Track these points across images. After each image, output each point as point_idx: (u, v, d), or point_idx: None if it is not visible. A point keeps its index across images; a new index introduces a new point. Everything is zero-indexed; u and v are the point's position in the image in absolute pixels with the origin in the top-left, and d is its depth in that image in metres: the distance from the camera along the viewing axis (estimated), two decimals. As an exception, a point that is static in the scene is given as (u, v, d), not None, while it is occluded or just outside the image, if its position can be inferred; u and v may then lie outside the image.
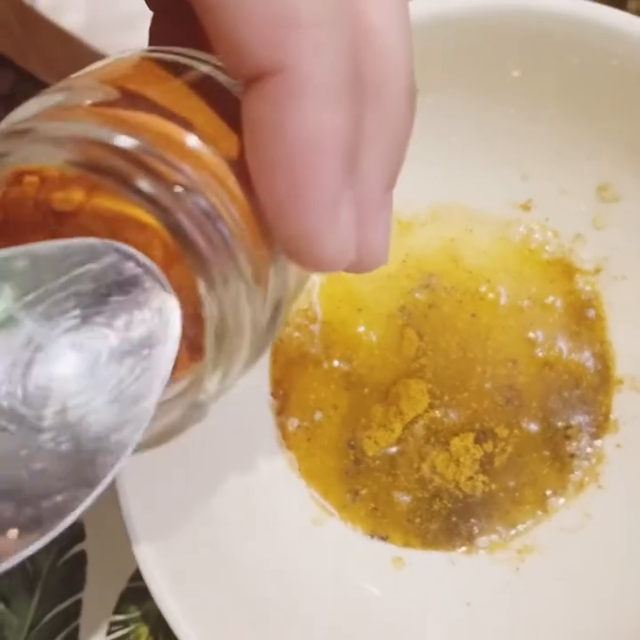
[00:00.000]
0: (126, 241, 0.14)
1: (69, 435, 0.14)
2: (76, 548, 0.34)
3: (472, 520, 0.32)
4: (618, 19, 0.26)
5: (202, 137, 0.14)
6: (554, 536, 0.32)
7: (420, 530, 0.32)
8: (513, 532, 0.32)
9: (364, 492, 0.32)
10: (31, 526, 0.14)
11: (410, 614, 0.31)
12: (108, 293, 0.14)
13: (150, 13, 0.19)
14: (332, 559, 0.31)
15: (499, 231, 0.33)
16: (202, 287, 0.14)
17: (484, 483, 0.32)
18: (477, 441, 0.32)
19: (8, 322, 0.14)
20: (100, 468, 0.14)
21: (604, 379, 0.33)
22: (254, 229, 0.15)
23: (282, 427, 0.33)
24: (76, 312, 0.14)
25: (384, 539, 0.32)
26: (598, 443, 0.32)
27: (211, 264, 0.13)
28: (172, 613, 0.27)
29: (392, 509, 0.32)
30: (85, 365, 0.14)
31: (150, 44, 0.19)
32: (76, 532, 0.34)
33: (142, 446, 0.15)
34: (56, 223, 0.15)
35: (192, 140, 0.14)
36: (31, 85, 0.37)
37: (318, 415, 0.33)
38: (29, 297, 0.14)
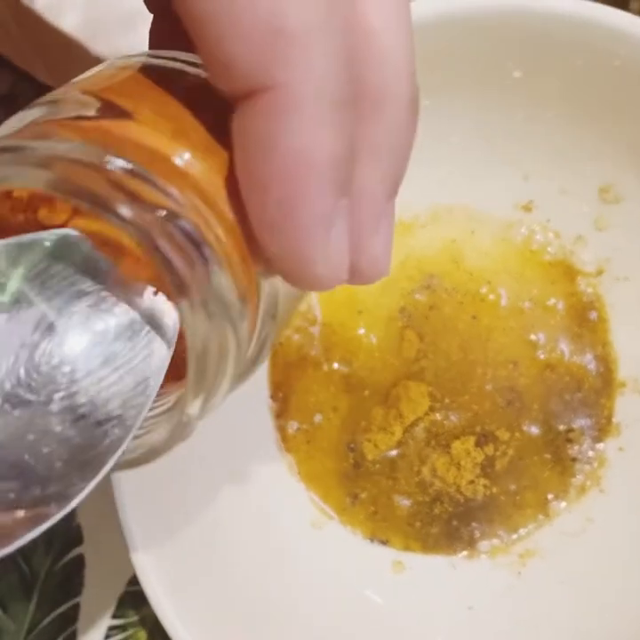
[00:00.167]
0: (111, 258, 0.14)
1: (76, 417, 0.14)
2: (74, 552, 0.34)
3: (473, 524, 0.32)
4: (620, 19, 0.26)
5: (192, 151, 0.14)
6: (555, 540, 0.32)
7: (420, 534, 0.32)
8: (514, 536, 0.32)
9: (363, 495, 0.32)
10: (36, 508, 0.14)
11: (410, 619, 0.31)
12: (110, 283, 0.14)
13: (150, 14, 0.19)
14: (332, 563, 0.31)
15: (500, 232, 0.33)
16: (183, 310, 0.13)
17: (485, 486, 0.32)
18: (478, 444, 0.32)
19: (19, 302, 0.14)
20: (103, 453, 0.14)
21: (606, 381, 0.32)
22: (243, 247, 0.14)
23: (281, 429, 0.32)
24: (85, 297, 0.14)
25: (384, 542, 0.32)
26: (600, 446, 0.32)
27: (191, 288, 0.13)
28: (169, 619, 0.27)
29: (392, 513, 0.32)
30: (94, 346, 0.14)
31: (150, 46, 0.19)
32: (74, 536, 0.34)
33: (129, 464, 0.15)
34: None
35: (181, 156, 0.14)
36: (30, 86, 0.36)
37: (318, 418, 0.33)
38: (40, 279, 0.14)
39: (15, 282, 0.14)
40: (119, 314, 0.15)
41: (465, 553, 0.32)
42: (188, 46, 0.15)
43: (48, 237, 0.14)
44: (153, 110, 0.14)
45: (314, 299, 0.33)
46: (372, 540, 0.32)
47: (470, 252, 0.33)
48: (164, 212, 0.13)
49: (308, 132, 0.13)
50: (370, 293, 0.33)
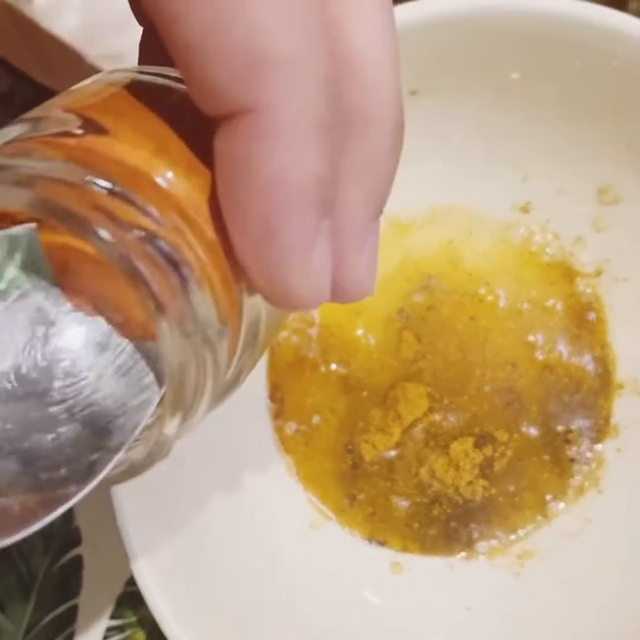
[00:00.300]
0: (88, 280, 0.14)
1: (77, 412, 0.14)
2: (72, 553, 0.34)
3: (471, 525, 0.32)
4: (617, 20, 0.26)
5: (174, 170, 0.14)
6: (554, 541, 0.32)
7: (418, 535, 0.32)
8: (513, 537, 0.32)
9: (361, 496, 0.32)
10: (53, 492, 0.14)
11: (408, 620, 0.31)
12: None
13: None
14: (330, 564, 0.31)
15: (499, 233, 0.33)
16: (160, 332, 0.13)
17: (483, 487, 0.32)
18: (477, 445, 0.32)
19: (17, 292, 0.14)
20: (106, 452, 0.14)
21: (604, 382, 0.32)
22: (225, 267, 0.14)
23: (279, 430, 0.32)
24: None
25: (382, 543, 0.32)
26: (598, 447, 0.32)
27: (169, 309, 0.13)
28: (166, 620, 0.27)
29: (390, 514, 0.32)
30: (93, 342, 0.14)
31: (140, 58, 0.18)
32: (73, 537, 0.34)
33: (112, 481, 0.15)
34: None
35: (162, 175, 0.14)
36: (28, 86, 0.36)
37: (316, 419, 0.32)
38: (38, 273, 0.14)
39: (12, 270, 0.14)
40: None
41: (463, 554, 0.32)
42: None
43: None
44: (135, 128, 0.14)
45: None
46: (370, 541, 0.32)
47: (468, 252, 0.33)
48: (143, 233, 0.13)
49: (288, 154, 0.13)
50: (368, 294, 0.33)
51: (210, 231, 0.14)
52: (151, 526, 0.27)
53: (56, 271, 0.15)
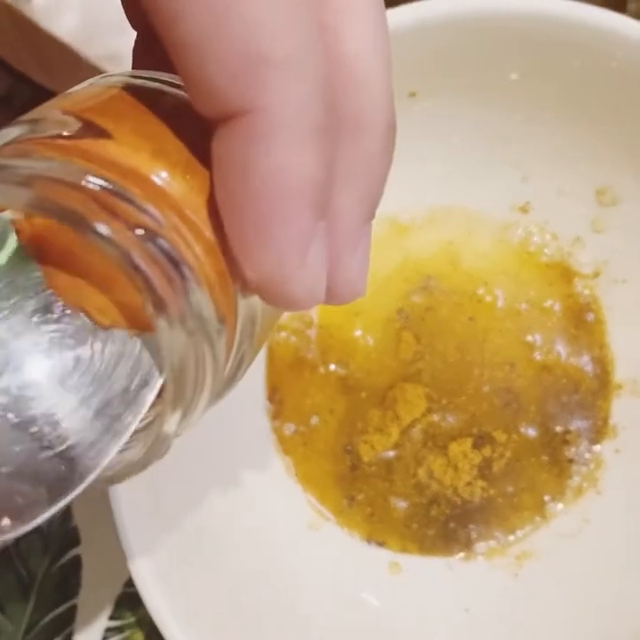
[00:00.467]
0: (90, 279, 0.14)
1: (39, 437, 0.14)
2: (71, 553, 0.34)
3: (470, 526, 0.32)
4: (616, 21, 0.26)
5: (172, 171, 0.14)
6: (552, 542, 0.32)
7: (417, 535, 0.32)
8: (511, 537, 0.32)
9: (360, 497, 0.32)
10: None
11: (407, 620, 0.31)
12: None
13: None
14: (329, 565, 0.31)
15: (497, 233, 0.33)
16: (161, 329, 0.13)
17: (482, 488, 0.32)
18: (476, 446, 0.32)
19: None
20: (71, 479, 0.14)
21: (603, 383, 0.32)
22: (222, 266, 0.14)
23: (278, 431, 0.32)
24: (49, 325, 0.14)
25: (381, 544, 0.32)
26: (597, 448, 0.32)
27: (169, 306, 0.13)
28: (165, 621, 0.27)
29: (389, 515, 0.32)
30: (56, 375, 0.14)
31: (134, 64, 0.19)
32: (71, 538, 0.34)
33: (108, 481, 0.15)
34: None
35: (160, 176, 0.14)
36: (27, 87, 0.36)
37: (314, 420, 0.33)
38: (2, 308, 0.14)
39: None
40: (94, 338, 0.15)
41: (462, 554, 0.32)
42: (172, 65, 0.15)
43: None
44: (133, 130, 0.14)
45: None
46: (368, 542, 0.32)
47: (467, 253, 0.33)
48: (142, 231, 0.13)
49: (285, 155, 0.13)
50: (367, 295, 0.32)
51: (207, 231, 0.14)
52: (149, 527, 0.27)
53: (47, 269, 0.15)
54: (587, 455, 0.32)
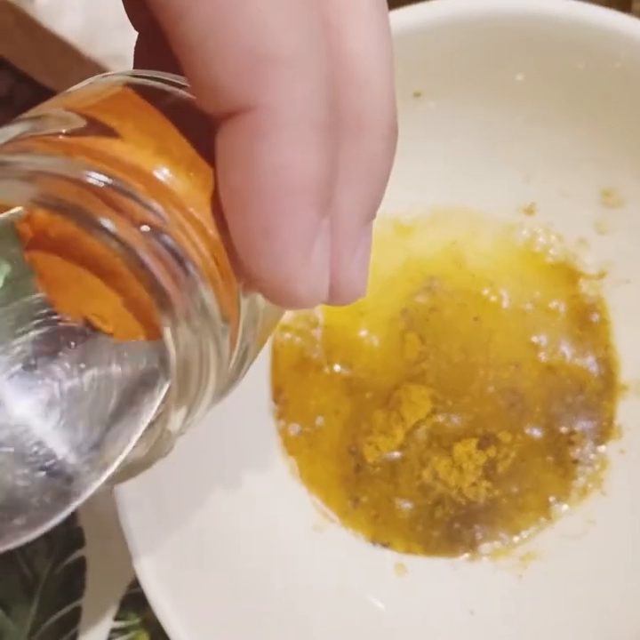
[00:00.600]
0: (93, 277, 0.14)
1: (33, 463, 0.14)
2: (76, 555, 0.34)
3: (475, 527, 0.32)
4: (620, 21, 0.26)
5: (175, 168, 0.14)
6: (557, 543, 0.31)
7: (422, 536, 0.32)
8: (516, 538, 0.32)
9: (365, 498, 0.32)
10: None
11: (412, 622, 0.31)
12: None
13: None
14: (334, 566, 0.31)
15: (502, 234, 0.33)
16: (166, 325, 0.13)
17: (487, 489, 0.32)
18: (480, 446, 0.32)
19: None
20: (55, 505, 0.14)
21: (608, 384, 0.32)
22: (226, 265, 0.14)
23: (283, 432, 0.32)
24: (34, 359, 0.14)
25: (386, 545, 0.32)
26: (602, 449, 0.32)
27: (175, 303, 0.13)
28: (170, 621, 0.27)
29: (393, 516, 0.32)
30: (40, 408, 0.14)
31: (135, 64, 0.19)
32: (76, 539, 0.34)
33: (110, 481, 0.15)
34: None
35: (164, 173, 0.14)
36: (29, 88, 0.36)
37: (319, 420, 0.32)
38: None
39: None
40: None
41: (467, 555, 0.32)
42: (173, 64, 0.15)
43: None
44: (136, 127, 0.14)
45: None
46: (373, 543, 0.32)
47: (471, 254, 0.33)
48: (148, 228, 0.13)
49: (289, 152, 0.13)
50: (371, 296, 0.33)
51: (211, 229, 0.14)
52: (154, 528, 0.27)
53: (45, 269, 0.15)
54: (592, 456, 0.32)
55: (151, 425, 0.15)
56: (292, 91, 0.13)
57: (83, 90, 0.16)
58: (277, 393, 0.33)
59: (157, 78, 0.16)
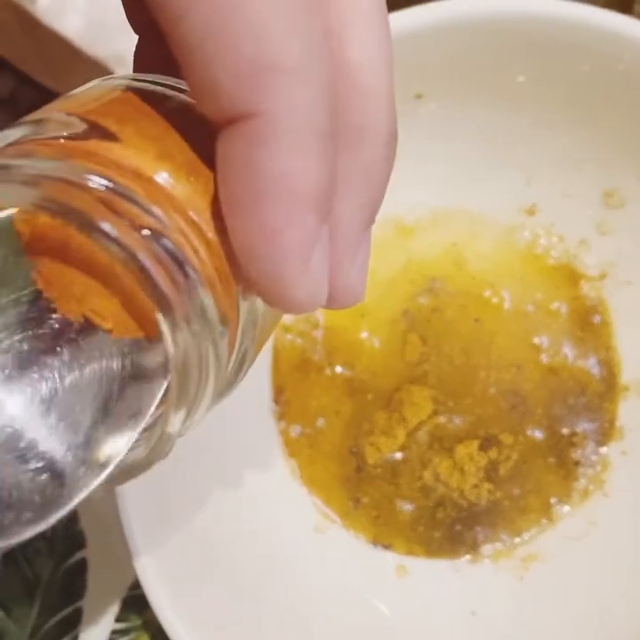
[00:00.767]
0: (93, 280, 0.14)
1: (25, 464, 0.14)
2: (77, 556, 0.34)
3: (476, 528, 0.32)
4: (623, 23, 0.26)
5: (176, 173, 0.14)
6: (558, 544, 0.31)
7: (423, 538, 0.32)
8: (517, 540, 0.32)
9: (366, 499, 0.32)
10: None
11: (413, 623, 0.31)
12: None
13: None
14: (335, 567, 0.31)
15: (503, 236, 0.33)
16: (165, 329, 0.13)
17: (488, 491, 0.32)
18: (482, 448, 0.32)
19: None
20: (51, 504, 0.14)
21: (609, 385, 0.32)
22: (225, 269, 0.14)
23: (284, 433, 0.32)
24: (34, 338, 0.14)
25: (387, 547, 0.32)
26: (604, 450, 0.32)
27: (175, 307, 0.13)
28: (171, 622, 0.27)
29: (395, 518, 0.32)
30: (37, 406, 0.14)
31: (135, 67, 0.19)
32: (77, 540, 0.34)
33: (109, 482, 0.15)
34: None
35: (164, 177, 0.14)
36: (32, 89, 0.36)
37: (320, 422, 0.32)
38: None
39: None
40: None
41: (468, 557, 0.32)
42: (174, 68, 0.15)
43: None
44: (137, 132, 0.14)
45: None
46: (374, 545, 0.32)
47: (473, 255, 0.33)
48: (148, 232, 0.13)
49: (290, 159, 0.13)
50: (372, 297, 0.33)
51: (211, 233, 0.14)
52: (155, 530, 0.27)
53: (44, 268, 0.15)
54: (593, 457, 0.32)
55: (151, 426, 0.15)
56: (293, 98, 0.13)
57: (83, 93, 0.16)
58: (278, 394, 0.33)
59: (158, 82, 0.16)
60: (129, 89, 0.16)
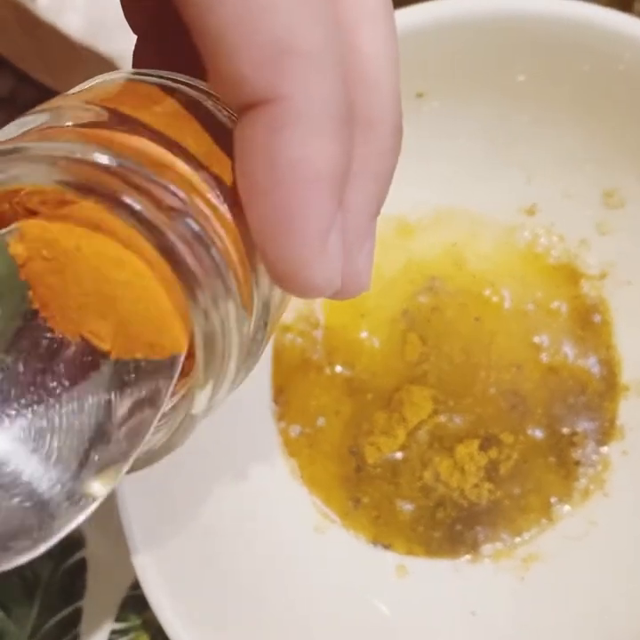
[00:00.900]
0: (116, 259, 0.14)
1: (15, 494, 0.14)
2: (77, 556, 0.34)
3: (477, 528, 0.32)
4: (623, 22, 0.26)
5: (191, 160, 0.14)
6: (559, 544, 0.31)
7: (423, 538, 0.32)
8: (518, 540, 0.32)
9: (366, 499, 0.32)
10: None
11: (413, 623, 0.31)
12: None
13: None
14: (335, 567, 0.31)
15: (503, 235, 0.33)
16: (192, 308, 0.13)
17: (489, 490, 0.32)
18: (482, 448, 0.32)
19: None
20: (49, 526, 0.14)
21: (609, 385, 0.32)
22: (242, 254, 0.15)
23: (283, 433, 0.32)
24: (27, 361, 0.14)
25: (387, 547, 0.32)
26: (604, 449, 0.32)
27: (202, 286, 0.13)
28: (170, 622, 0.27)
29: (395, 517, 0.32)
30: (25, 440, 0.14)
31: (134, 67, 0.19)
32: (77, 540, 0.34)
33: (131, 467, 0.15)
34: None
35: (182, 164, 0.14)
36: (31, 88, 0.36)
37: (320, 421, 0.32)
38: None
39: None
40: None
41: (468, 557, 0.32)
42: (174, 66, 0.15)
43: None
44: (153, 119, 0.15)
45: (317, 303, 0.33)
46: (374, 545, 0.32)
47: (473, 254, 0.33)
48: (173, 211, 0.13)
49: (309, 143, 0.13)
50: (372, 297, 0.33)
51: (227, 217, 0.14)
52: (155, 530, 0.27)
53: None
54: (594, 457, 0.32)
55: (173, 409, 0.15)
56: (313, 83, 0.13)
57: (96, 85, 0.16)
58: (278, 394, 0.32)
59: (162, 76, 0.16)
60: (139, 81, 0.16)
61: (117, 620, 0.34)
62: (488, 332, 0.33)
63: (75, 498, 0.14)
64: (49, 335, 0.14)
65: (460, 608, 0.31)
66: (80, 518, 0.14)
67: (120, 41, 0.32)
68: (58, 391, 0.14)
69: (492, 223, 0.33)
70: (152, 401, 0.14)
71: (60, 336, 0.14)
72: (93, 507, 0.14)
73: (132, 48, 0.19)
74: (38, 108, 0.15)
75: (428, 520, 0.32)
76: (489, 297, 0.33)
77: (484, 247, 0.33)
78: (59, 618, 0.33)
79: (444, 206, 0.33)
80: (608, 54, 0.27)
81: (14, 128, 0.15)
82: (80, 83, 0.17)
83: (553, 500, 0.32)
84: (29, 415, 0.14)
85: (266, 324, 0.16)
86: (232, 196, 0.14)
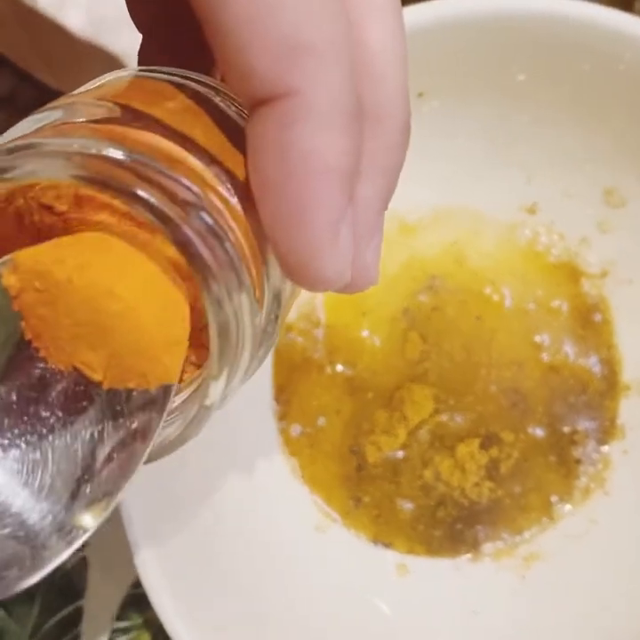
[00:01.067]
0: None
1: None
2: (78, 555, 0.34)
3: (477, 527, 0.32)
4: (624, 22, 0.26)
5: (203, 155, 0.14)
6: (559, 543, 0.31)
7: (424, 537, 0.32)
8: (518, 538, 0.32)
9: (366, 498, 0.32)
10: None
11: (414, 622, 0.31)
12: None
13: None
14: (336, 566, 0.31)
15: (504, 234, 0.33)
16: (206, 300, 0.14)
17: (490, 489, 0.32)
18: (483, 446, 0.32)
19: None
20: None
21: (610, 384, 0.32)
22: (254, 249, 0.15)
23: (284, 432, 0.32)
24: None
25: (388, 545, 0.32)
26: (605, 448, 0.32)
27: (217, 278, 0.13)
28: (171, 621, 0.27)
29: (395, 516, 0.32)
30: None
31: (139, 65, 0.19)
32: (77, 539, 0.34)
33: (146, 459, 0.15)
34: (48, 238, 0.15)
35: (194, 159, 0.14)
36: (31, 88, 0.36)
37: (321, 421, 0.32)
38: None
39: None
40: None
41: (469, 555, 0.32)
42: (179, 63, 0.16)
43: None
44: (165, 115, 0.15)
45: (318, 301, 0.33)
46: (375, 544, 0.32)
47: (473, 253, 0.33)
48: (187, 205, 0.13)
49: (320, 137, 0.13)
50: (373, 295, 0.33)
51: (239, 212, 0.14)
52: (156, 529, 0.27)
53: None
54: (594, 456, 0.32)
55: (187, 401, 0.15)
56: (323, 79, 0.13)
57: (105, 83, 0.16)
58: (279, 393, 0.32)
59: (171, 73, 0.16)
60: (149, 78, 0.16)
61: (119, 618, 0.34)
62: (489, 330, 0.33)
63: (65, 530, 0.14)
64: (42, 365, 0.14)
65: (460, 607, 0.31)
66: (71, 550, 0.14)
67: (122, 37, 0.32)
68: (50, 421, 0.14)
69: (493, 221, 0.33)
70: (143, 432, 0.14)
71: (53, 366, 0.14)
72: (84, 538, 0.14)
73: (135, 44, 0.19)
74: (51, 104, 0.15)
75: (429, 519, 0.32)
76: (490, 295, 0.33)
77: (484, 245, 0.33)
78: (60, 617, 0.33)
79: (443, 206, 0.33)
80: (608, 54, 0.27)
81: (28, 124, 0.15)
82: (80, 80, 0.17)
83: (553, 498, 0.32)
84: (22, 445, 0.14)
85: (277, 317, 0.16)
86: (243, 190, 0.14)
